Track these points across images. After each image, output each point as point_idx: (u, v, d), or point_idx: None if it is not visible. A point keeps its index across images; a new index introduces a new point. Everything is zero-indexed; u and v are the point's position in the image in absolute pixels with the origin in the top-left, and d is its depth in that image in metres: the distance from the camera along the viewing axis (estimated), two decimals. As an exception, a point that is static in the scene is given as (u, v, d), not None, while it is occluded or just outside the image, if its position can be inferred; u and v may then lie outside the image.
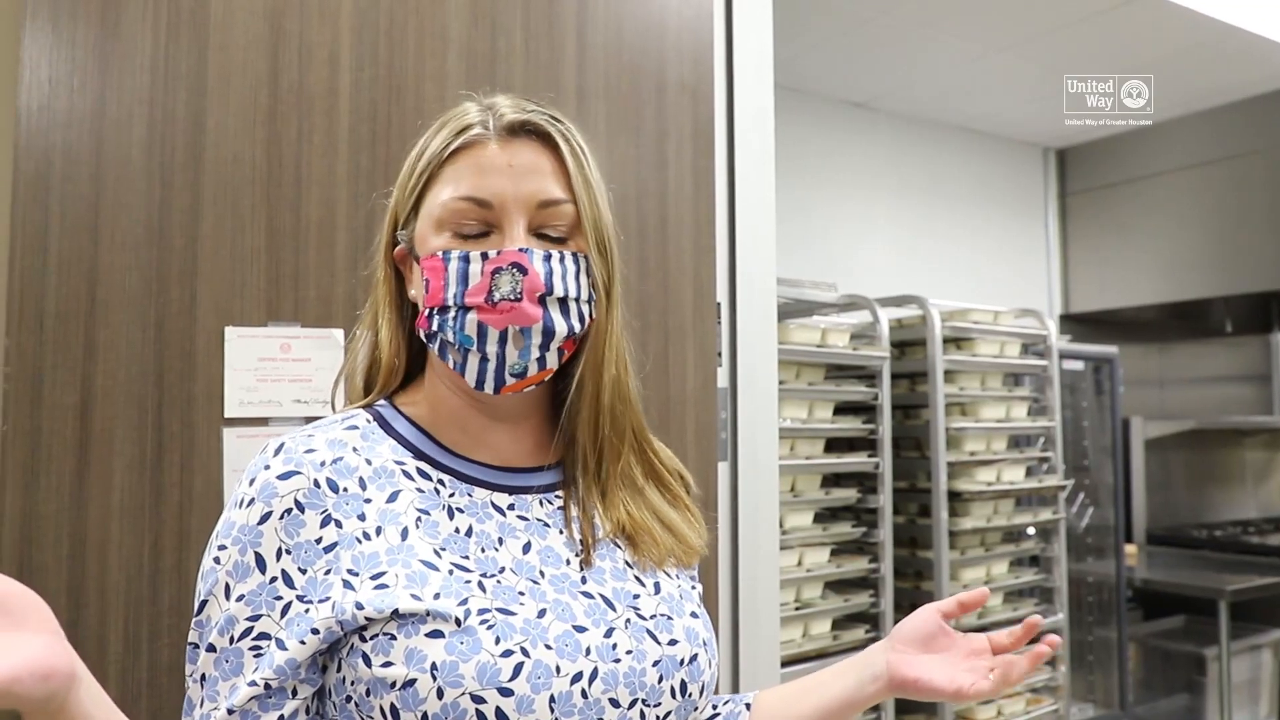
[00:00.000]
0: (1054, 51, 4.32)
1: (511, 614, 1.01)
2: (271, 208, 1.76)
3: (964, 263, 5.29)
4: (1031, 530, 4.01)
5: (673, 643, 1.11)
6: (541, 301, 1.07)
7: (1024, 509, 4.01)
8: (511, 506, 1.12)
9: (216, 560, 1.00)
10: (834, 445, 3.46)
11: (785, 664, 2.97)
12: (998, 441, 3.87)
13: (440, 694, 0.94)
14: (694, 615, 1.17)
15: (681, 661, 1.10)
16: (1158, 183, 5.40)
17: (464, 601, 0.99)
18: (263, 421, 1.74)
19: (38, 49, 1.60)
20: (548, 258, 1.07)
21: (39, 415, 1.58)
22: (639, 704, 1.04)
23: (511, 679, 0.96)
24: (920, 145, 5.17)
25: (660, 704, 1.07)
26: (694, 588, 1.23)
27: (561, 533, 1.13)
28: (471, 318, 1.06)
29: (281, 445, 1.05)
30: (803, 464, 3.24)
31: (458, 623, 0.97)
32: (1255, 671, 4.92)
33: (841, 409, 3.50)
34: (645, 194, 2.17)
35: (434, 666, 0.95)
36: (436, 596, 0.98)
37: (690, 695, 1.11)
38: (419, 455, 1.11)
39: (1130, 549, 5.12)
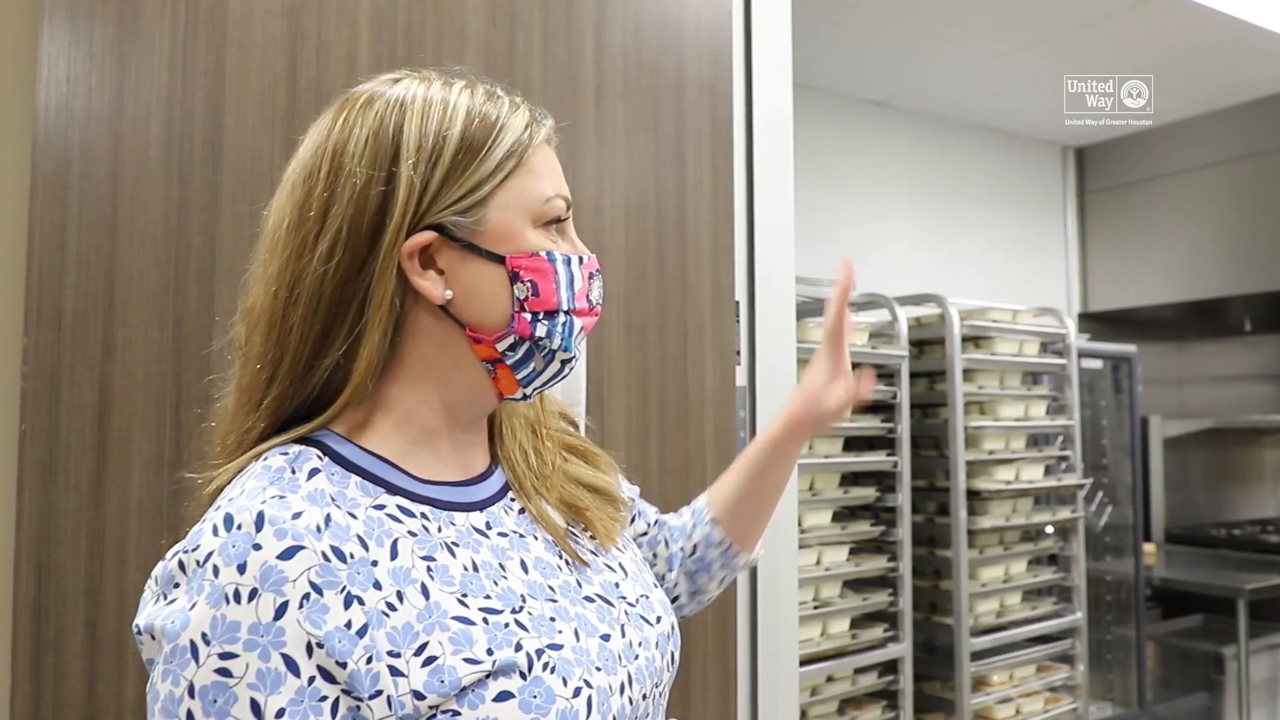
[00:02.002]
0: (1073, 49, 4.30)
1: (559, 647, 0.95)
2: (290, 206, 1.76)
3: (983, 261, 5.28)
4: (1050, 529, 3.99)
5: (658, 620, 1.12)
6: None
7: (1042, 508, 4.00)
8: (489, 525, 1.04)
9: (224, 673, 0.80)
10: (852, 444, 3.45)
11: (804, 663, 2.97)
12: (1016, 440, 3.85)
13: None
14: (656, 585, 1.20)
15: (667, 635, 1.13)
16: (1177, 181, 5.38)
17: (519, 647, 0.91)
18: (281, 420, 1.74)
19: (55, 47, 1.60)
20: None
21: (57, 414, 1.58)
22: (653, 688, 1.06)
23: (587, 716, 0.92)
24: (939, 144, 5.16)
25: (661, 680, 1.09)
26: (638, 551, 1.25)
27: (537, 538, 1.08)
28: (577, 322, 1.04)
29: (260, 515, 0.85)
30: (821, 463, 3.23)
31: (522, 675, 0.90)
32: (1274, 670, 4.90)
33: (860, 408, 3.48)
34: (664, 192, 2.17)
35: None
36: (489, 652, 0.89)
37: (676, 662, 1.15)
38: (392, 490, 0.97)
39: (1149, 548, 5.11)
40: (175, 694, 0.81)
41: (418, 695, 0.85)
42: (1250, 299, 5.26)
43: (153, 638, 0.84)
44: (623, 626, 1.06)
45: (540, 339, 1.01)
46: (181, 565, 0.85)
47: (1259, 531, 5.57)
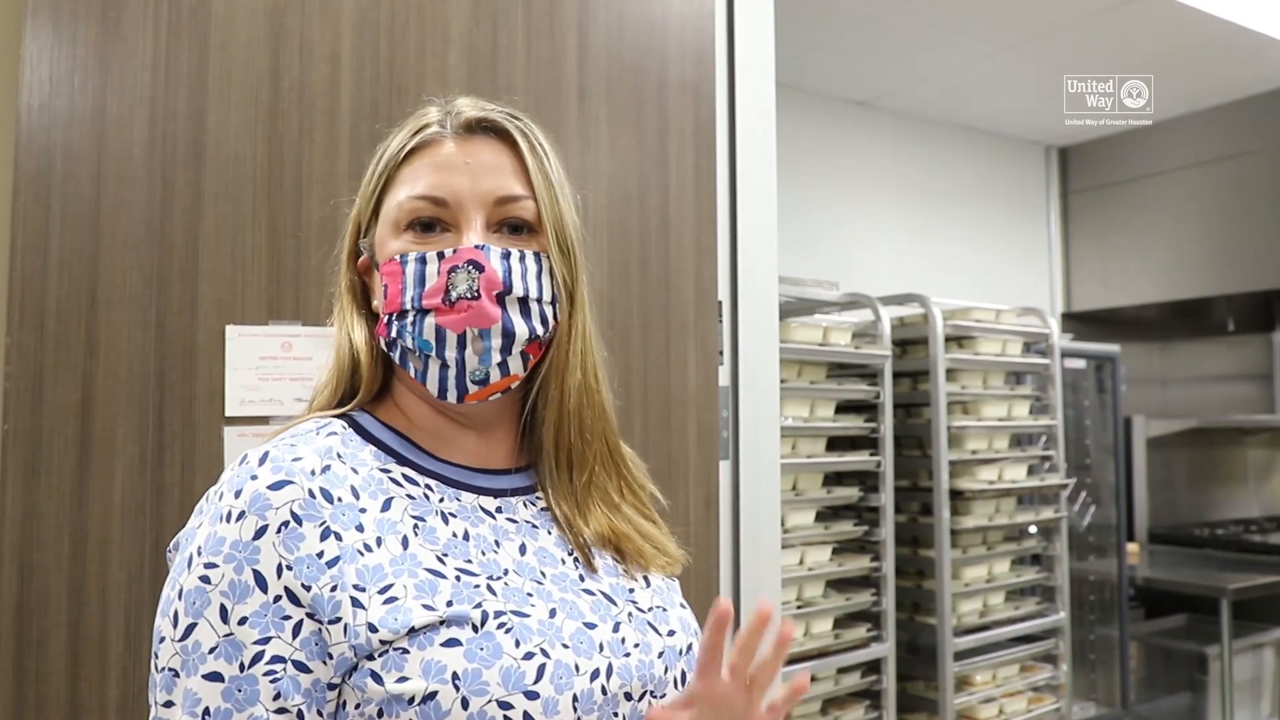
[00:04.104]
0: (1056, 50, 4.32)
1: (525, 615, 0.97)
2: (272, 206, 1.76)
3: (966, 261, 5.29)
4: (1033, 529, 4.00)
5: (671, 633, 1.11)
6: (500, 301, 1.03)
7: (1026, 507, 4.01)
8: (499, 509, 1.08)
9: (205, 580, 0.91)
10: (836, 444, 3.45)
11: (787, 663, 2.97)
12: (999, 440, 3.86)
13: (465, 704, 0.90)
14: (683, 606, 1.18)
15: (680, 652, 1.11)
16: (1160, 181, 5.40)
17: (478, 605, 0.95)
18: (264, 420, 1.75)
19: (39, 48, 1.60)
20: (506, 255, 1.04)
21: (40, 414, 1.58)
22: (648, 695, 1.04)
23: (536, 681, 0.93)
24: (922, 144, 5.17)
25: (664, 694, 1.06)
26: (675, 580, 1.23)
27: (550, 533, 1.10)
28: (429, 321, 1.02)
29: (265, 454, 0.97)
30: (804, 462, 3.24)
31: (475, 628, 0.93)
32: (1257, 670, 4.91)
33: (843, 407, 3.49)
34: (647, 192, 2.17)
35: (455, 676, 0.90)
36: (449, 604, 0.94)
37: (685, 683, 1.11)
38: (402, 460, 1.05)
39: (1132, 548, 5.13)
40: (170, 595, 0.93)
41: (371, 628, 0.91)
42: (1233, 299, 5.28)
43: (175, 553, 0.98)
44: (618, 623, 1.05)
45: (394, 339, 1.05)
46: (209, 496, 0.98)
47: (1242, 531, 5.59)
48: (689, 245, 2.23)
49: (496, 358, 1.04)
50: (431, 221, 1.05)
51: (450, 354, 1.02)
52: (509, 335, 1.04)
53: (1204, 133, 5.22)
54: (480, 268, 1.02)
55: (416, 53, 1.91)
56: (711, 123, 2.29)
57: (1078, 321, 5.73)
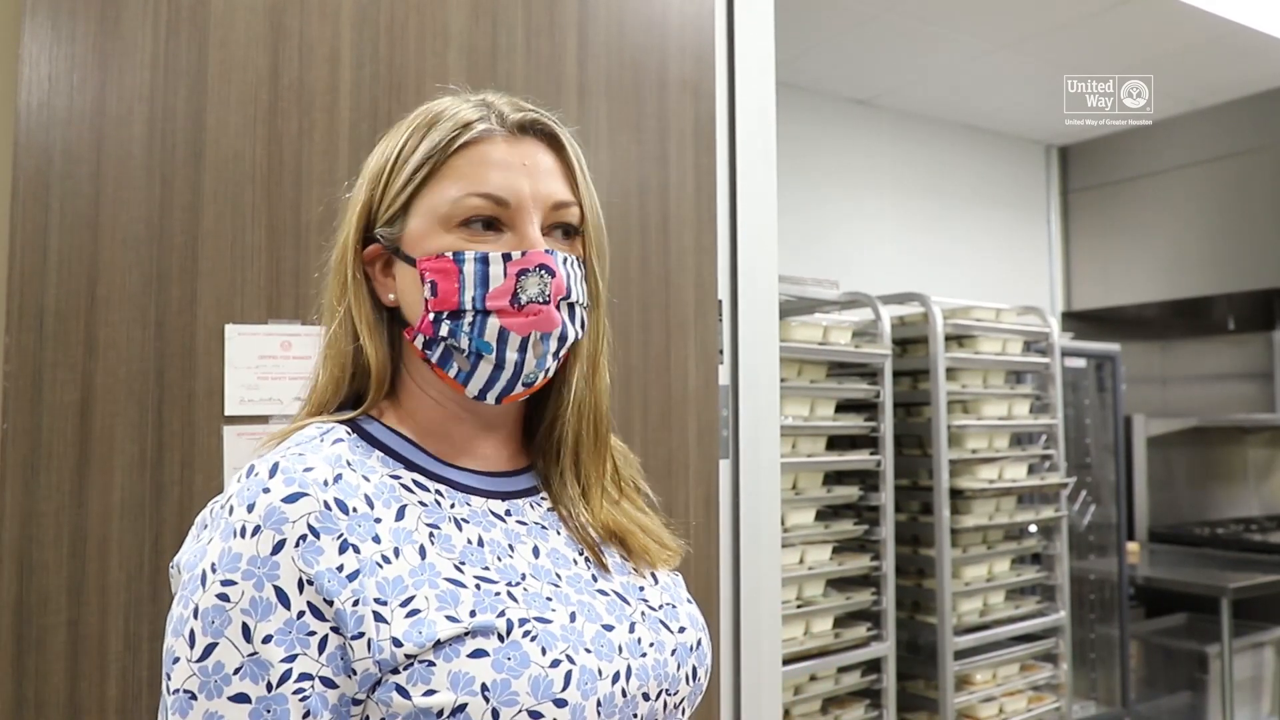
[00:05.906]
0: (1057, 49, 4.32)
1: (548, 621, 0.98)
2: (272, 205, 1.76)
3: (966, 260, 5.30)
4: (1033, 528, 4.00)
5: (681, 630, 1.12)
6: (559, 306, 1.04)
7: (1026, 506, 4.01)
8: (509, 512, 1.08)
9: (223, 598, 0.88)
10: (836, 443, 3.46)
11: (787, 662, 2.97)
12: (1000, 439, 3.86)
13: (495, 715, 0.90)
14: (689, 601, 1.19)
15: (691, 648, 1.12)
16: (1160, 180, 5.40)
17: (501, 614, 0.95)
18: (263, 419, 1.74)
19: (37, 46, 1.60)
20: (566, 260, 1.05)
21: (39, 413, 1.57)
22: (663, 694, 1.05)
23: (564, 689, 0.93)
24: (923, 142, 5.17)
25: (677, 691, 1.08)
26: (679, 575, 1.24)
27: (560, 534, 1.11)
28: (493, 322, 1.02)
29: (275, 465, 0.95)
30: (804, 462, 3.24)
31: (500, 638, 0.93)
32: (1257, 669, 4.92)
33: (843, 406, 3.50)
34: (647, 191, 2.17)
35: (485, 687, 0.90)
36: (472, 614, 0.94)
37: (699, 680, 1.13)
38: (410, 466, 1.04)
39: (1132, 547, 5.13)
40: (184, 615, 0.90)
41: (396, 642, 0.90)
42: (1234, 298, 5.28)
43: (179, 572, 0.94)
44: (633, 623, 1.06)
45: (445, 339, 1.03)
46: (213, 510, 0.96)
47: (1242, 530, 5.59)
48: (689, 244, 2.23)
49: (550, 362, 1.06)
50: (491, 220, 1.04)
51: (511, 355, 1.03)
52: (563, 340, 1.06)
53: (1204, 131, 5.22)
54: (551, 272, 1.03)
55: (416, 51, 1.91)
56: (711, 121, 2.29)
57: (1078, 320, 5.74)
